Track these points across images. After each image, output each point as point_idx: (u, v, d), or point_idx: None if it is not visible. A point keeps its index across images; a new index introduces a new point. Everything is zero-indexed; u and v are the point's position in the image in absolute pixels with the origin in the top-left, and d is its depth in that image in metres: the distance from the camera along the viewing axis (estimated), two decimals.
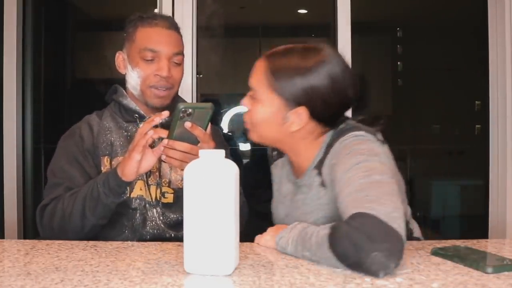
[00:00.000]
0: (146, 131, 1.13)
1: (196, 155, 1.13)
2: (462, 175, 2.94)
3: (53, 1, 2.83)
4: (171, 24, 1.38)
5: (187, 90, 2.33)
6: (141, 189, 1.33)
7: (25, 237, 2.43)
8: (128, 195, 1.30)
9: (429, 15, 2.82)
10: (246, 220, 1.39)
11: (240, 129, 2.93)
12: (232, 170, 0.88)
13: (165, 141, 1.13)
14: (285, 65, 1.07)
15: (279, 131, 1.10)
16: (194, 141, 1.14)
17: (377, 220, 0.85)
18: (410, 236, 1.20)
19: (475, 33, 2.68)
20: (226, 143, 1.55)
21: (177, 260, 0.96)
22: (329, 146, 1.09)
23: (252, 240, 1.11)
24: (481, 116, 2.58)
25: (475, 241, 1.12)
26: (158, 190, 1.34)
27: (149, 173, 1.34)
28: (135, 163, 1.14)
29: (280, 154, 1.29)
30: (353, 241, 0.84)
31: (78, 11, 2.94)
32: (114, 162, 1.34)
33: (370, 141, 1.04)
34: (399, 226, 0.85)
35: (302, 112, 1.06)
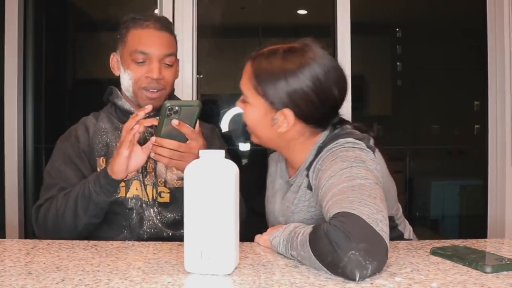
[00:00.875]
0: (132, 126, 1.13)
1: (184, 152, 1.14)
2: (461, 175, 2.94)
3: (54, 2, 2.82)
4: (163, 25, 1.36)
5: (188, 90, 2.33)
6: (137, 189, 1.33)
7: (26, 237, 2.43)
8: (123, 195, 1.31)
9: (429, 15, 2.82)
10: (244, 219, 1.39)
11: (240, 129, 2.93)
12: (232, 170, 0.89)
13: (153, 138, 1.14)
14: (268, 68, 1.07)
15: (270, 132, 1.10)
16: (182, 138, 1.14)
17: (358, 219, 0.83)
18: (400, 238, 1.20)
19: (474, 33, 2.68)
20: (225, 143, 1.55)
21: (177, 260, 0.96)
22: (320, 148, 1.09)
23: (252, 240, 1.11)
24: (480, 116, 2.58)
25: (474, 240, 1.12)
26: (154, 190, 1.34)
27: (145, 173, 1.34)
28: (123, 160, 1.15)
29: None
30: (331, 239, 0.81)
31: (79, 11, 2.93)
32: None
33: (358, 148, 1.02)
34: (382, 230, 0.83)
35: (287, 114, 1.06)
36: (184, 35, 2.33)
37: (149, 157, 1.22)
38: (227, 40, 2.98)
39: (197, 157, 0.90)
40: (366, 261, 0.79)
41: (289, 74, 1.05)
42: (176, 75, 1.40)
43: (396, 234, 1.17)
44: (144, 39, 1.33)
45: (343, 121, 1.15)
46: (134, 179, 1.33)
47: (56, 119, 2.76)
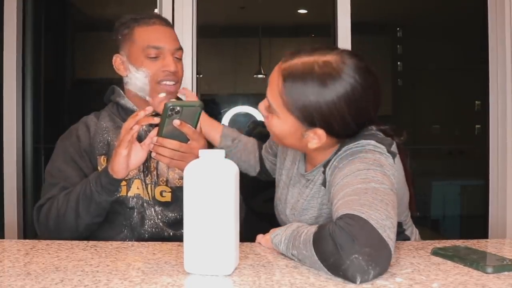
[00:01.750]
0: (131, 126, 1.13)
1: (185, 153, 1.15)
2: (462, 175, 2.95)
3: (53, 1, 2.83)
4: (166, 22, 1.40)
5: None
6: (138, 188, 1.33)
7: (25, 237, 2.43)
8: (124, 193, 1.31)
9: (429, 15, 2.83)
10: (243, 218, 1.39)
11: (240, 129, 2.93)
12: (232, 170, 0.88)
13: (155, 138, 1.14)
14: (301, 88, 1.00)
15: (298, 144, 1.08)
16: (184, 138, 1.14)
17: (366, 224, 0.82)
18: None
19: (475, 33, 2.69)
20: None
21: (177, 260, 0.96)
22: (341, 146, 1.07)
23: (252, 240, 1.11)
24: (481, 116, 2.58)
25: (475, 241, 1.12)
26: (156, 189, 1.34)
27: (146, 172, 1.34)
28: (122, 159, 1.14)
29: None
30: (336, 240, 0.80)
31: (77, 11, 2.94)
32: None
33: (378, 152, 1.00)
34: (388, 236, 0.82)
35: (320, 133, 1.02)
36: (184, 34, 2.33)
37: (150, 156, 1.22)
38: (227, 39, 2.99)
39: (198, 157, 0.90)
40: (368, 266, 0.79)
41: (325, 99, 0.99)
42: (183, 70, 1.42)
43: (403, 239, 1.17)
44: (154, 35, 1.35)
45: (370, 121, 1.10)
46: (136, 178, 1.33)
47: (55, 119, 2.76)
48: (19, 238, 2.38)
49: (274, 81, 1.04)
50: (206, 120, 1.38)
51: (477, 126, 2.74)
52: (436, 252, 0.99)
